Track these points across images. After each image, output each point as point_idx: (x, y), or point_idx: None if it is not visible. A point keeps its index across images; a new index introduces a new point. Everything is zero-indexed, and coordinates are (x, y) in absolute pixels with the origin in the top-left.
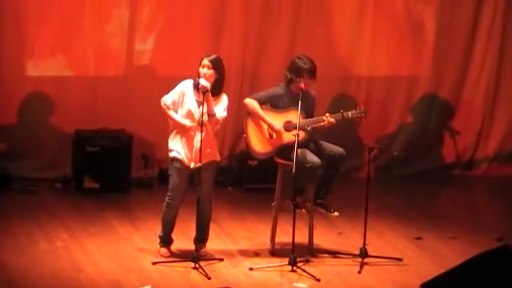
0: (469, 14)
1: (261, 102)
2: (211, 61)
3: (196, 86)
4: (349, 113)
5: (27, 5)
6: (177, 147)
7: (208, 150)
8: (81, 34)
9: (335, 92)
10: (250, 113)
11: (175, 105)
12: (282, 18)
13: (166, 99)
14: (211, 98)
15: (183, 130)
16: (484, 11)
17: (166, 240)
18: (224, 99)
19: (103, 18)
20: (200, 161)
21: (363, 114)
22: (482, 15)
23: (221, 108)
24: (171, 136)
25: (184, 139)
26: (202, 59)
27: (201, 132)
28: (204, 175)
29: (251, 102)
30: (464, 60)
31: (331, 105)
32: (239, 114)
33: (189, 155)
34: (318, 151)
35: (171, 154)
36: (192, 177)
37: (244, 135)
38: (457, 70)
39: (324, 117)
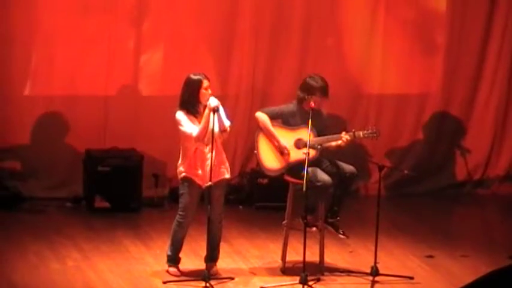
0: (479, 32)
1: (272, 117)
2: (208, 79)
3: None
4: (361, 132)
5: (37, 27)
6: (188, 167)
7: (220, 169)
8: (91, 54)
9: (346, 110)
10: (261, 128)
11: None
12: (291, 37)
13: (193, 131)
14: (220, 114)
15: (195, 150)
16: (494, 29)
17: (175, 260)
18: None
19: (112, 39)
20: (211, 180)
21: (375, 135)
22: (492, 33)
23: (225, 117)
24: (182, 156)
25: (196, 160)
26: (200, 82)
27: (212, 151)
28: (215, 193)
29: (262, 117)
30: (474, 79)
31: None
32: (249, 133)
33: (201, 174)
34: (337, 170)
35: (183, 174)
36: (203, 195)
37: (255, 151)
38: (468, 88)
39: (342, 135)
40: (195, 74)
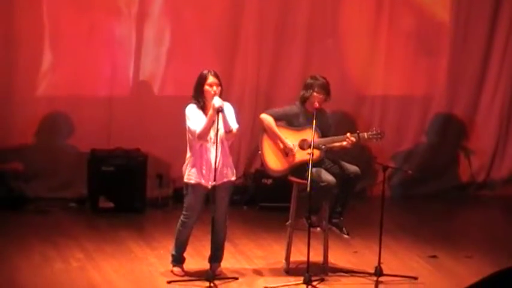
0: (483, 35)
1: (276, 119)
2: (217, 77)
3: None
4: (365, 134)
5: (41, 27)
6: (194, 168)
7: (225, 170)
8: (96, 55)
9: (349, 111)
10: (265, 130)
11: None
12: (295, 39)
13: (197, 128)
14: (226, 114)
15: (200, 150)
16: (498, 32)
17: (179, 259)
18: (230, 108)
19: (117, 40)
20: (215, 180)
21: (379, 136)
22: (496, 35)
23: (233, 120)
24: (188, 156)
25: (201, 159)
26: (205, 77)
27: (216, 151)
28: (220, 195)
29: (267, 119)
30: (478, 81)
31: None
32: (253, 134)
33: (206, 175)
34: (341, 171)
35: (188, 174)
36: (208, 196)
37: (259, 152)
38: (472, 90)
39: (347, 136)
40: (206, 70)
